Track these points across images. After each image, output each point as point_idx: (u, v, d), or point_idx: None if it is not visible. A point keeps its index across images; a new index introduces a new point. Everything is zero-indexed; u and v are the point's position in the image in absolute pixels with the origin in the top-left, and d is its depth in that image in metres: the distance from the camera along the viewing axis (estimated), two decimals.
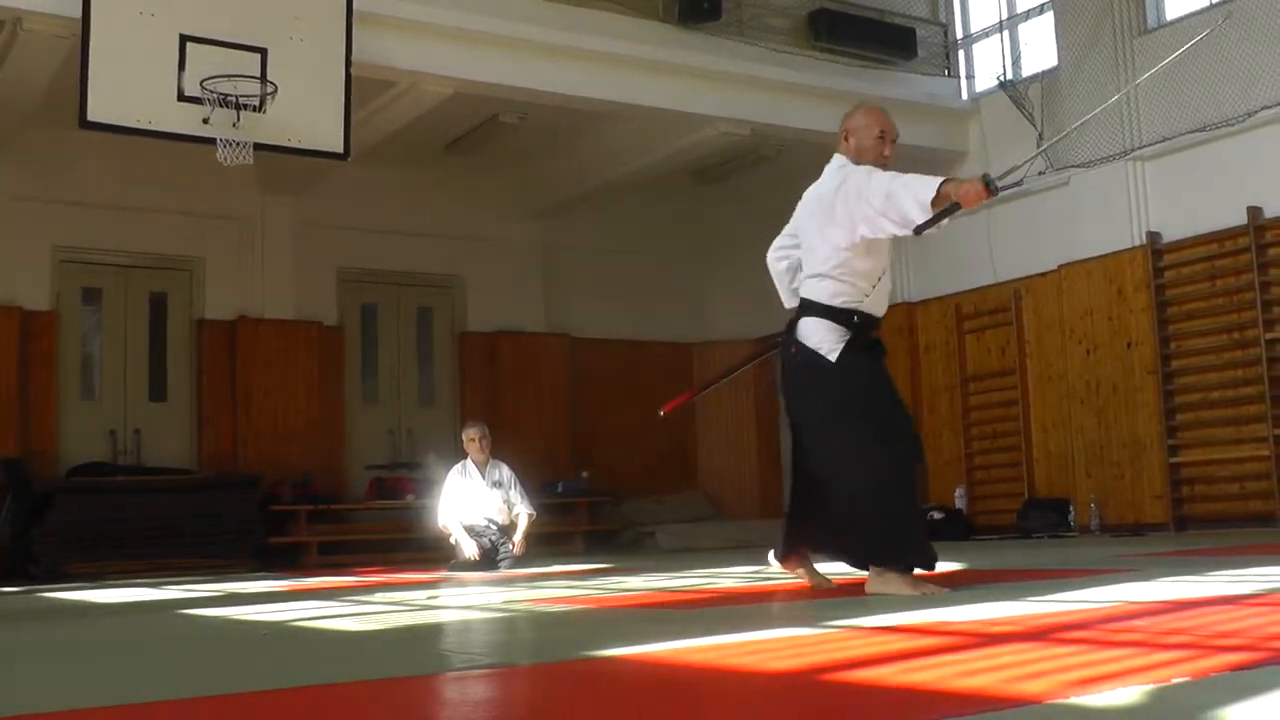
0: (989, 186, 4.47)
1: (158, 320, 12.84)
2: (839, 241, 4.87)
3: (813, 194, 5.09)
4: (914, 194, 4.61)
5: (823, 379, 4.89)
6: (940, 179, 4.62)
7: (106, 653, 4.05)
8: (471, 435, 9.91)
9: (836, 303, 4.90)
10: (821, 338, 4.89)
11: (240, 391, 12.76)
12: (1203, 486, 11.14)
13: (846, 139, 5.08)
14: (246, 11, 9.34)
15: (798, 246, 5.16)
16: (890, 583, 4.65)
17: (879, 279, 4.99)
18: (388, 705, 2.54)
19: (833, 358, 4.86)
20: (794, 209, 5.26)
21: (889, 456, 4.84)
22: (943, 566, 5.08)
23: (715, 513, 15.07)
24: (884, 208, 4.68)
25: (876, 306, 5.02)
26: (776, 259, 5.32)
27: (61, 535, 10.86)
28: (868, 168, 4.90)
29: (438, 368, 14.40)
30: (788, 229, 5.30)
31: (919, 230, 4.68)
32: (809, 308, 4.97)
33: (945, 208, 4.58)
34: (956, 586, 4.80)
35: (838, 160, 5.07)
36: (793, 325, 5.04)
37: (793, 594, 5.14)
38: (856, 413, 4.89)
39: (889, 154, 5.03)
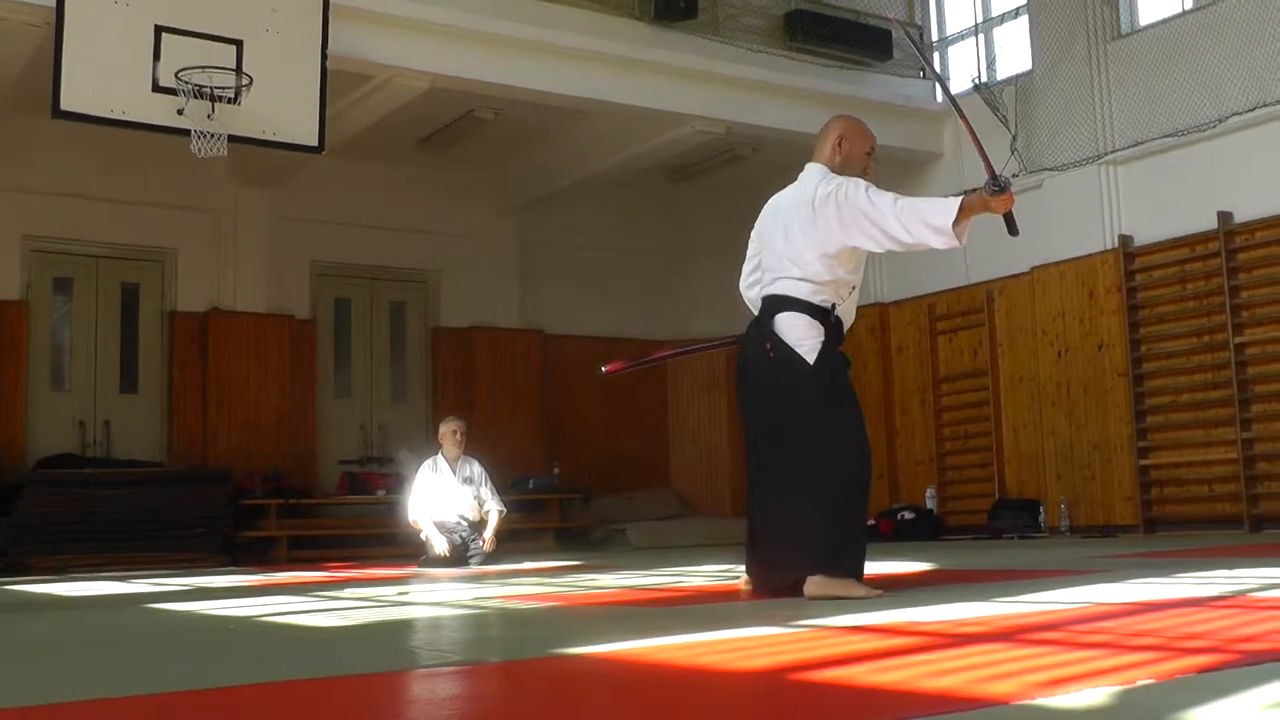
0: (1003, 189, 4.60)
1: (129, 311, 12.75)
2: (826, 248, 4.84)
3: (788, 200, 5.05)
4: (928, 222, 4.63)
5: (805, 378, 4.81)
6: (958, 198, 4.63)
7: (72, 647, 4.02)
8: (453, 427, 9.92)
9: (815, 300, 4.86)
10: (802, 334, 4.82)
11: (211, 384, 12.70)
12: (1172, 489, 11.21)
13: (840, 145, 5.05)
14: (222, 3, 9.29)
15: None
16: (839, 587, 4.55)
17: (852, 289, 5.00)
18: (356, 701, 2.53)
19: (812, 358, 4.80)
20: None
21: (864, 461, 4.86)
22: (914, 566, 5.09)
23: (686, 510, 15.08)
24: (888, 226, 4.70)
25: (846, 315, 5.01)
26: (747, 287, 5.25)
27: (29, 528, 10.77)
28: (862, 181, 4.88)
29: (410, 363, 14.36)
30: (751, 254, 5.23)
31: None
32: (785, 304, 4.88)
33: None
34: (892, 590, 4.79)
35: (818, 169, 5.03)
36: (760, 323, 4.97)
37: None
38: (839, 412, 4.87)
39: (871, 170, 5.07)
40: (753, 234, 5.24)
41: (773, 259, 5.02)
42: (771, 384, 4.94)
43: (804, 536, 4.72)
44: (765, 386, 4.97)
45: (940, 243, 4.65)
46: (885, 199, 4.76)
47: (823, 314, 4.86)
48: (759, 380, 5.00)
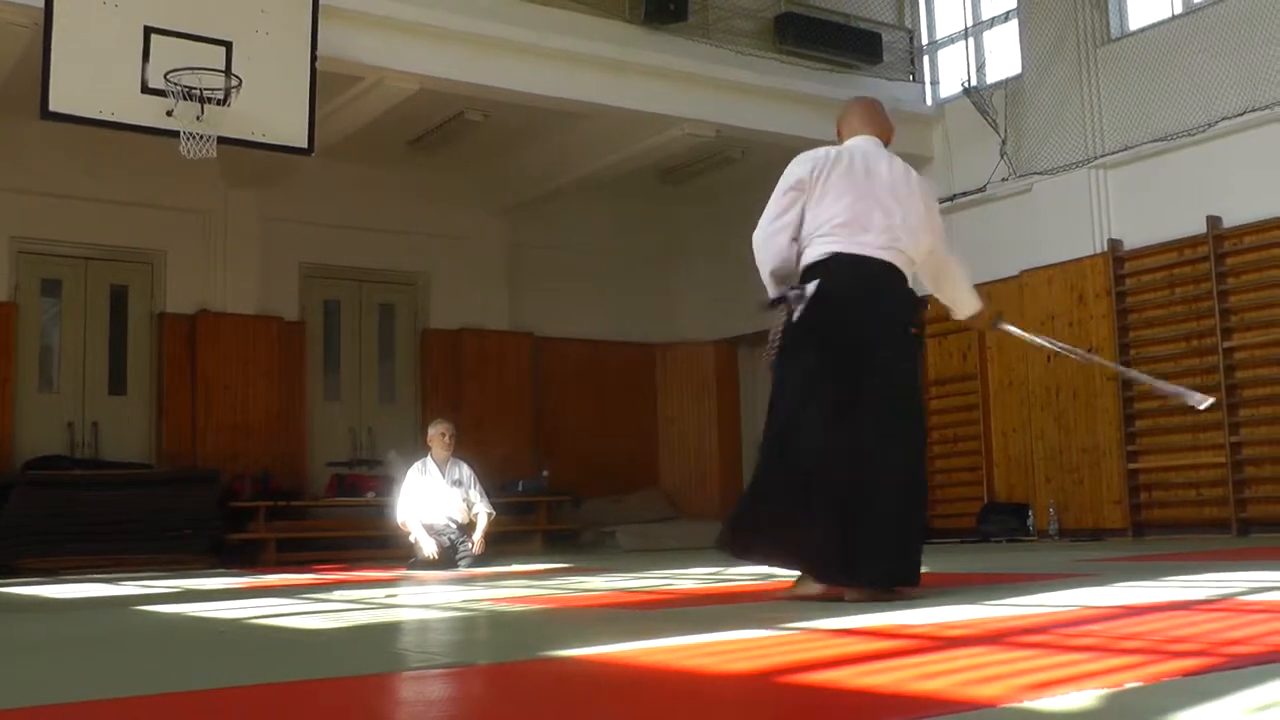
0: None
1: (118, 313, 12.72)
2: (935, 233, 4.87)
3: (896, 171, 4.74)
4: (964, 287, 5.04)
5: (918, 359, 4.94)
6: (981, 303, 5.09)
7: (61, 649, 4.01)
8: (442, 430, 9.94)
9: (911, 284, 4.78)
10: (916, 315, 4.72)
11: (200, 386, 12.66)
12: (1160, 493, 11.24)
13: (890, 137, 4.99)
14: (212, 4, 9.27)
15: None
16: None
17: None
18: (345, 703, 2.53)
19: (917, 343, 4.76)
20: (760, 210, 5.20)
21: None
22: None
23: (675, 513, 15.07)
24: (948, 262, 4.97)
25: None
26: (778, 230, 4.66)
27: (17, 529, 10.73)
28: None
29: (399, 365, 14.34)
30: (791, 203, 4.67)
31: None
32: (904, 277, 4.65)
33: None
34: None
35: (890, 154, 4.83)
36: (903, 296, 4.64)
37: (752, 595, 5.15)
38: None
39: None
40: (810, 177, 4.66)
41: (899, 226, 4.63)
42: (902, 348, 4.63)
43: (912, 536, 4.53)
44: (898, 344, 4.60)
45: (960, 311, 5.10)
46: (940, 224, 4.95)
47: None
48: (893, 333, 4.59)
